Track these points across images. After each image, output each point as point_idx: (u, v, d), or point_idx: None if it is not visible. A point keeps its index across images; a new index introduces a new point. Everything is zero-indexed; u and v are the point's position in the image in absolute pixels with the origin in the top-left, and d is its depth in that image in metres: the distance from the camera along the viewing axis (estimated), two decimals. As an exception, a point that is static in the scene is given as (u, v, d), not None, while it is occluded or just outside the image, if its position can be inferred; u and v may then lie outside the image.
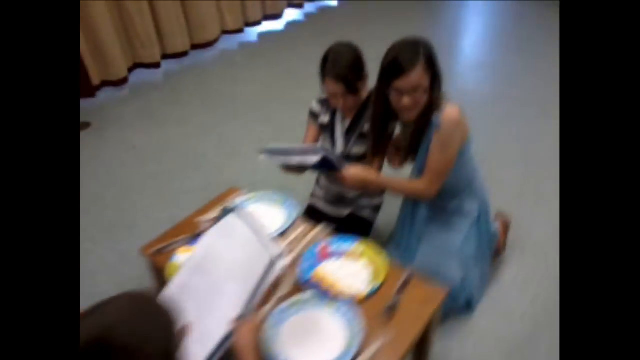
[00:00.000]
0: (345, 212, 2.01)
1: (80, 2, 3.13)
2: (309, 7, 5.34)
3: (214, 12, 4.21)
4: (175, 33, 3.95)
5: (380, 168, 1.81)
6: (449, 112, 1.50)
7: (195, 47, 4.20)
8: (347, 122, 1.86)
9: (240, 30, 4.58)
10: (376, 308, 1.23)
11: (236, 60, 4.32)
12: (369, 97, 1.79)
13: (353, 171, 1.61)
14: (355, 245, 1.42)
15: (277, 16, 4.89)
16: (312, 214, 2.04)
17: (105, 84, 3.57)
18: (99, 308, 0.75)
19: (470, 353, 1.66)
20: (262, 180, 2.47)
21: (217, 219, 1.21)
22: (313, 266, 1.36)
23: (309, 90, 2.19)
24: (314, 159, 1.45)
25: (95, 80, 3.45)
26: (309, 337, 1.17)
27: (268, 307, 1.23)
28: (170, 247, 1.42)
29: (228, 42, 4.54)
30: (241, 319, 1.04)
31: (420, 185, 1.62)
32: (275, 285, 1.30)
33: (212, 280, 1.13)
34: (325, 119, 1.90)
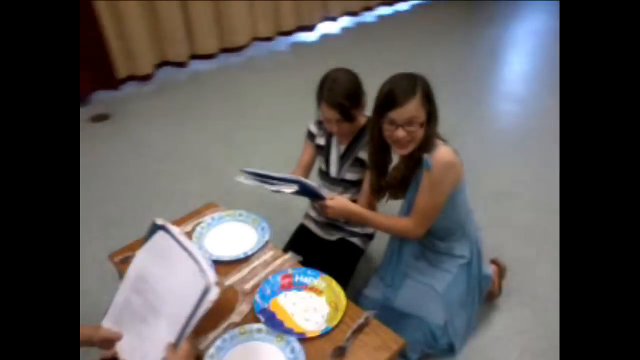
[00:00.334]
0: (335, 236, 1.98)
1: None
2: (344, 21, 5.34)
3: (246, 18, 4.26)
4: (206, 34, 4.02)
5: (376, 201, 1.77)
6: (441, 153, 1.45)
7: (224, 50, 4.26)
8: (343, 147, 1.84)
9: (271, 38, 4.62)
10: (326, 349, 1.18)
11: (264, 67, 4.36)
12: (365, 124, 1.76)
13: (336, 201, 1.57)
14: (318, 280, 1.38)
15: (310, 28, 4.91)
16: (303, 234, 2.01)
17: (131, 78, 3.66)
18: None
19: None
20: (260, 194, 2.46)
21: (147, 236, 1.16)
22: (272, 295, 1.32)
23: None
24: (288, 190, 1.43)
25: (121, 73, 3.54)
26: (248, 372, 1.13)
27: (216, 332, 1.20)
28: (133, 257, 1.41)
29: (258, 49, 4.59)
30: (175, 346, 1.02)
31: (407, 225, 1.57)
32: (228, 311, 1.28)
33: (147, 300, 1.09)
34: (321, 140, 1.88)
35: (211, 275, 1.01)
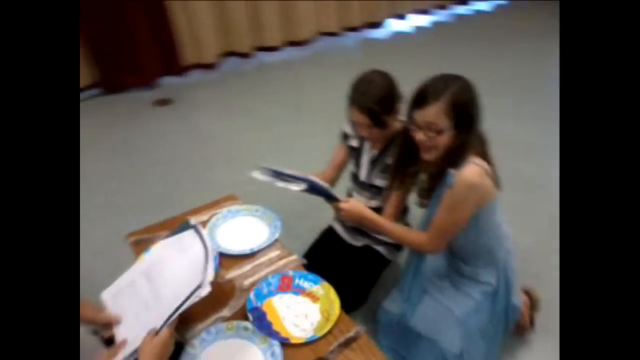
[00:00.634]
0: (360, 242, 1.94)
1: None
2: (419, 20, 5.17)
3: (312, 12, 4.27)
4: (272, 27, 4.08)
5: (399, 206, 1.71)
6: (467, 172, 1.34)
7: (290, 43, 4.31)
8: (375, 152, 1.78)
9: (338, 34, 4.59)
10: (308, 358, 1.16)
11: (329, 62, 4.33)
12: (399, 131, 1.69)
13: (350, 205, 1.53)
14: (317, 287, 1.35)
15: (378, 24, 4.82)
16: (330, 237, 2.00)
17: (196, 66, 3.82)
18: None
19: None
20: (291, 194, 2.47)
21: (175, 231, 1.23)
22: (268, 295, 1.32)
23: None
24: (295, 187, 1.41)
25: (187, 61, 3.71)
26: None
27: (204, 324, 1.22)
28: (149, 240, 1.47)
29: (325, 44, 4.58)
30: (157, 333, 1.05)
31: (421, 239, 1.49)
32: (221, 304, 1.29)
33: (154, 288, 1.15)
34: (354, 142, 1.84)
35: (210, 274, 1.05)
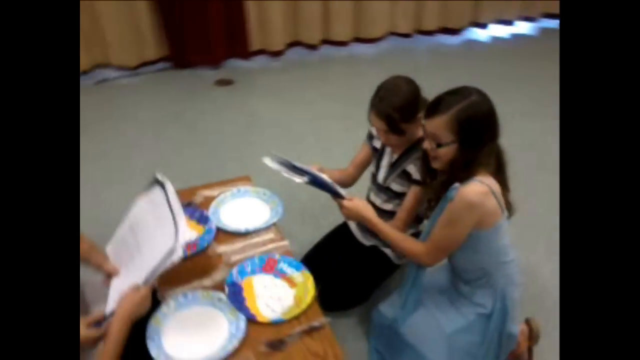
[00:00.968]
0: (370, 242, 1.94)
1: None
2: (497, 30, 4.95)
3: (385, 10, 4.24)
4: (342, 21, 4.11)
5: (411, 211, 1.70)
6: (468, 190, 1.31)
7: (357, 39, 4.32)
8: (395, 156, 1.78)
9: (409, 35, 4.53)
10: (268, 337, 1.20)
11: (393, 63, 4.28)
12: (420, 139, 1.68)
13: (353, 203, 1.55)
14: (297, 274, 1.39)
15: (455, 31, 4.68)
16: (342, 232, 2.02)
17: (262, 52, 3.96)
18: None
19: None
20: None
21: (147, 187, 1.28)
22: (251, 273, 1.38)
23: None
24: (298, 179, 1.46)
25: (253, 46, 3.86)
26: (191, 330, 1.22)
27: (184, 288, 1.31)
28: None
29: (393, 44, 4.54)
30: (138, 288, 1.13)
31: (418, 250, 1.48)
32: (205, 274, 1.37)
33: (137, 240, 1.25)
34: (377, 144, 1.85)
35: (181, 239, 1.12)
